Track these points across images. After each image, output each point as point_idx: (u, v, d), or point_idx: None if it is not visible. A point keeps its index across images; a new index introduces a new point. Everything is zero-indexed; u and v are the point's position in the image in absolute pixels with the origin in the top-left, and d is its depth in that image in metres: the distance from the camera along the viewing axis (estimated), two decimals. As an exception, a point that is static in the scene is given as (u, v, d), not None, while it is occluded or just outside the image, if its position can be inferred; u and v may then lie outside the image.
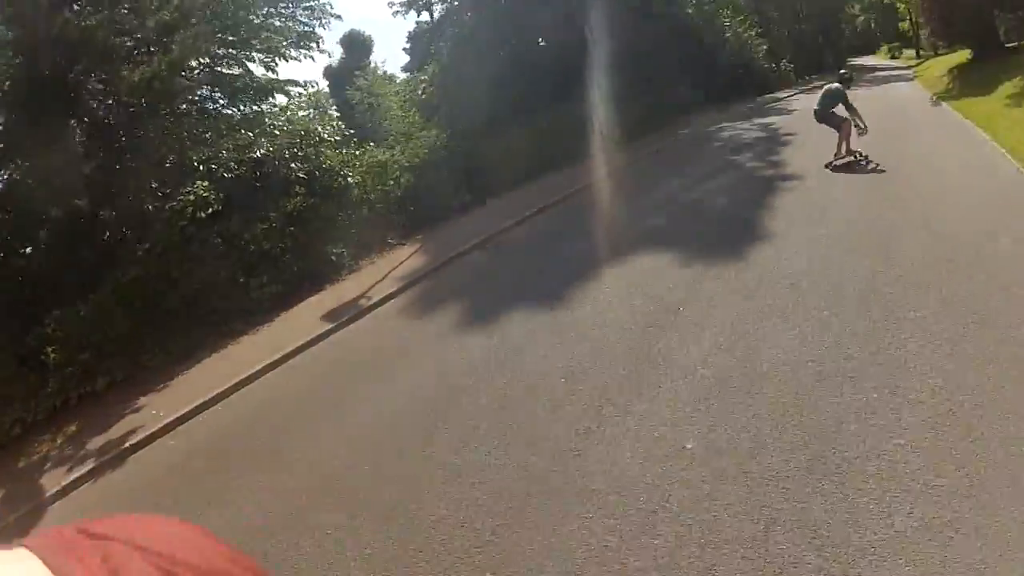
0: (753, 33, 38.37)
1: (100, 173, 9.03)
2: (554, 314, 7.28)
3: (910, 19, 39.11)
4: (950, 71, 26.17)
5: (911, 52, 51.65)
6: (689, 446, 4.09)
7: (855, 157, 11.85)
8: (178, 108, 10.47)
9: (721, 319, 5.89)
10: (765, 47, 39.32)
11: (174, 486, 5.83)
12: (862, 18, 74.09)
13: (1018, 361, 4.08)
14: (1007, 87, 17.10)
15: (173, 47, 9.06)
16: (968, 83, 21.68)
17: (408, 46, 47.45)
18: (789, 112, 23.01)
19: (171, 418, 7.13)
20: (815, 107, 12.47)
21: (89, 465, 6.66)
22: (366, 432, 5.74)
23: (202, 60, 10.43)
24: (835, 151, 11.98)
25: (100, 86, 9.05)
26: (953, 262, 5.88)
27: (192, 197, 9.28)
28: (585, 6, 20.61)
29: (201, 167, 10.08)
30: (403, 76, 38.96)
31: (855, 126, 11.79)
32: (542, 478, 4.20)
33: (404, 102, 23.63)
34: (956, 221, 7.10)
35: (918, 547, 2.85)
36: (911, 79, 31.11)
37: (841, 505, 3.23)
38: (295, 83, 15.08)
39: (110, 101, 9.03)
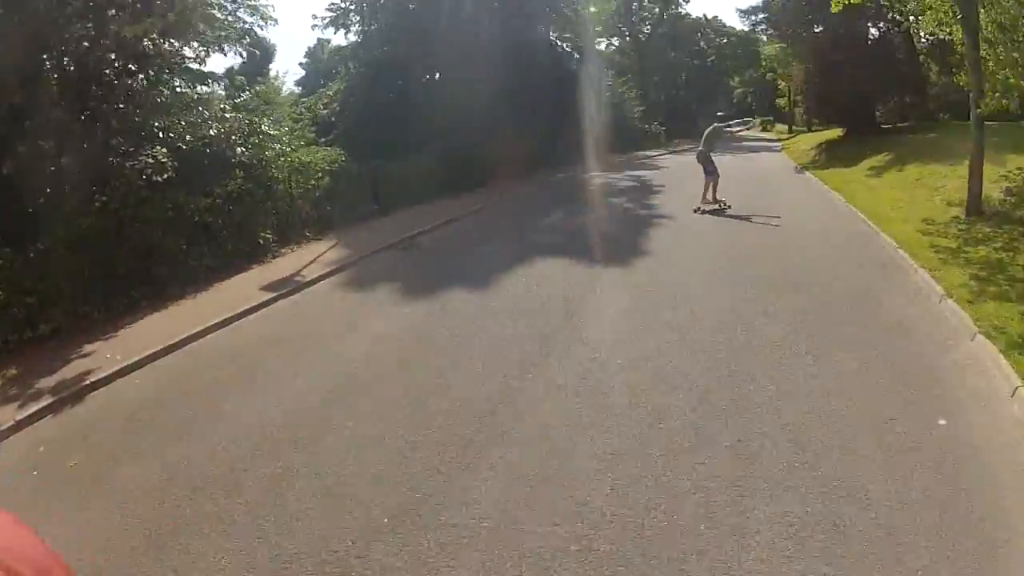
0: (633, 95, 41.59)
1: (68, 119, 9.19)
2: (474, 294, 8.70)
3: (789, 95, 43.20)
4: (819, 145, 29.51)
5: (783, 127, 57.03)
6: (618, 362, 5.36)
7: (720, 205, 13.91)
8: (151, 73, 10.75)
9: (619, 302, 8.12)
10: (642, 109, 42.64)
11: (146, 419, 6.26)
12: (740, 90, 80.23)
13: (815, 311, 6.68)
14: (871, 161, 19.83)
15: (170, 15, 9.44)
16: (835, 156, 24.70)
17: (305, 61, 48.06)
18: (658, 168, 25.59)
19: (130, 361, 7.49)
20: (699, 148, 14.46)
21: (45, 401, 6.83)
22: (324, 378, 6.57)
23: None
24: (701, 197, 14.01)
25: (86, 32, 9.24)
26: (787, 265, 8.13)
27: (152, 161, 9.65)
28: (477, 54, 22.10)
29: (161, 135, 10.47)
30: (296, 89, 39.74)
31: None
32: (484, 410, 5.40)
33: (300, 116, 24.52)
34: (801, 246, 10.28)
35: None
36: (779, 151, 34.70)
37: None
38: (219, 77, 15.50)
39: (95, 52, 9.22)
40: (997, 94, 12.20)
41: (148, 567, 3.92)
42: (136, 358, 7.58)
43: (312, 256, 12.45)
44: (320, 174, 15.03)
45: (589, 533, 3.74)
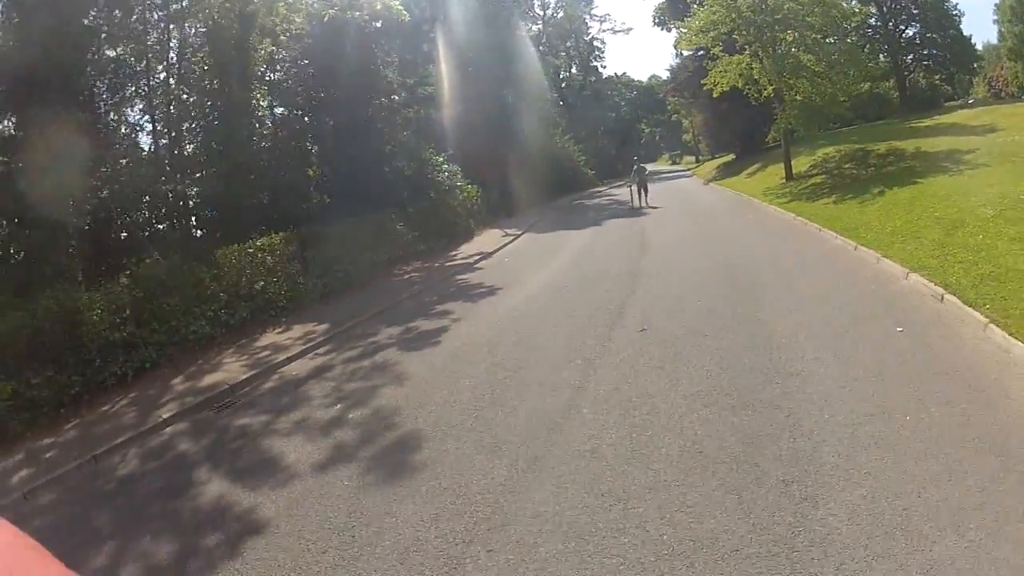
0: (576, 148, 56.56)
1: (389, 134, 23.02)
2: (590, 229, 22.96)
3: (692, 133, 60.06)
4: (718, 167, 45.40)
5: (691, 158, 74.35)
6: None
7: (649, 206, 28.34)
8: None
9: (623, 254, 22.15)
10: (584, 158, 57.70)
11: (496, 268, 19.95)
12: (648, 131, 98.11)
13: (725, 215, 20.62)
14: (749, 170, 35.21)
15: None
16: (728, 172, 40.26)
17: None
18: (611, 196, 40.78)
19: (485, 251, 21.12)
20: (636, 178, 29.07)
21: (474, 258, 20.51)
22: (557, 279, 20.66)
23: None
24: (643, 202, 28.37)
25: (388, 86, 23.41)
26: (705, 221, 22.81)
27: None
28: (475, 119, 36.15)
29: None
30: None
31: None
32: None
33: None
34: (709, 214, 24.37)
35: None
36: (690, 175, 50.93)
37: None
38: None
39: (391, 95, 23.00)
40: (790, 123, 26.89)
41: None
42: (486, 250, 21.22)
43: (498, 232, 26.00)
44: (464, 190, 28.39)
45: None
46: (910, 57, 52.92)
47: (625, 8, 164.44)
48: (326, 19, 18.98)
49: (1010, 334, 6.53)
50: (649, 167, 33.07)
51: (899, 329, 7.56)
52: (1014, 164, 15.38)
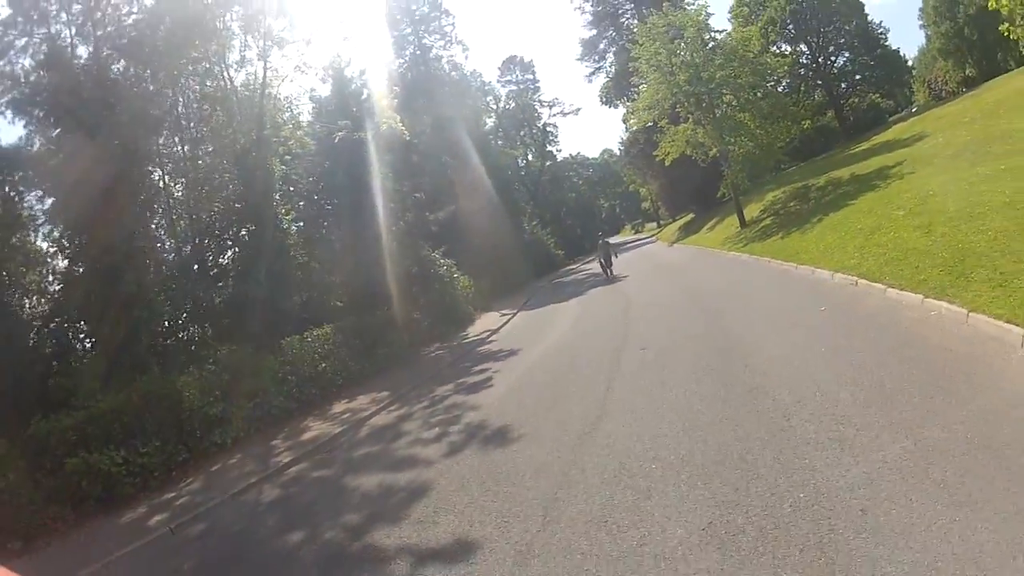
0: (545, 233, 60.46)
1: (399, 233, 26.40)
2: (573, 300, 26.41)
3: (651, 200, 64.48)
4: (679, 228, 49.46)
5: (652, 224, 78.97)
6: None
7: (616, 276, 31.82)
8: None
9: (612, 310, 25.66)
10: (552, 240, 61.55)
11: (519, 329, 23.13)
12: (608, 204, 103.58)
13: (695, 263, 24.25)
14: (708, 225, 39.13)
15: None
16: (689, 231, 44.28)
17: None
18: (584, 270, 44.18)
19: (498, 325, 24.29)
20: (602, 252, 32.37)
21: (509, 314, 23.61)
22: (563, 336, 23.96)
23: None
24: (611, 271, 31.70)
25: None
26: (675, 274, 26.57)
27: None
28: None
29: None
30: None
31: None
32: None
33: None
34: (677, 269, 28.37)
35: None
36: (654, 241, 55.18)
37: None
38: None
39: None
40: (737, 178, 30.76)
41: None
42: (492, 327, 24.42)
43: (495, 314, 29.18)
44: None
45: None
46: (844, 85, 57.42)
47: (572, 87, 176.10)
48: (336, 140, 22.57)
49: (900, 289, 9.93)
50: (616, 239, 36.88)
51: (822, 308, 11.02)
52: (933, 167, 18.48)
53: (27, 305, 18.63)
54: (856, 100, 58.74)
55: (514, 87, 74.32)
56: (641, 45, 30.56)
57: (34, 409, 13.34)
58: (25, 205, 18.96)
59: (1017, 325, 6.93)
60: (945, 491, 4.61)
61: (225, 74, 22.57)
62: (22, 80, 18.40)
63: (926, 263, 10.21)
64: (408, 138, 25.18)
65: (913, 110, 52.54)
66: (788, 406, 6.98)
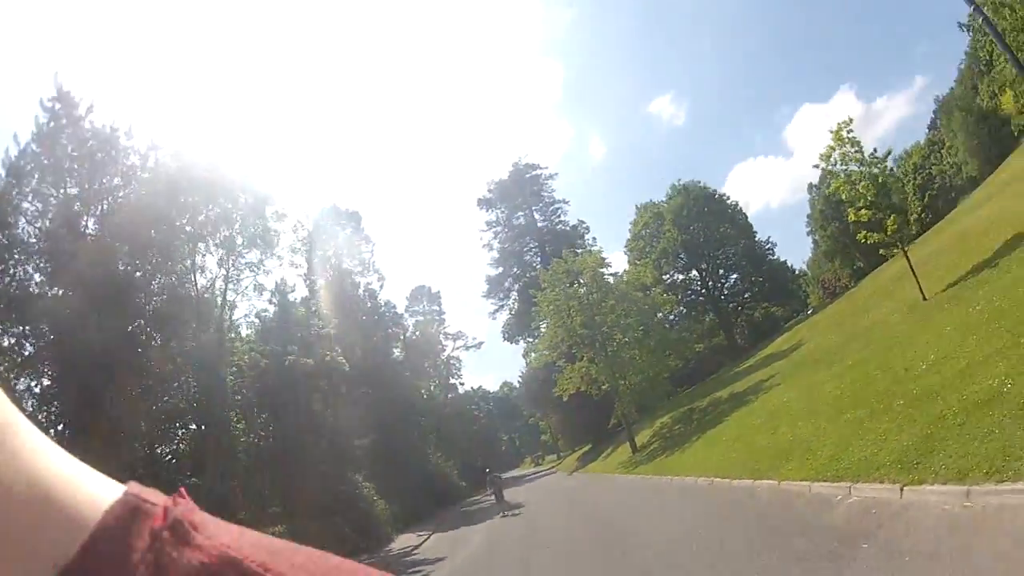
0: (448, 464, 62.62)
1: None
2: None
3: (550, 433, 68.91)
4: (577, 459, 53.69)
5: (553, 456, 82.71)
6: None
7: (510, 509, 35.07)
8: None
9: (519, 529, 29.37)
10: (456, 470, 63.64)
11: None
12: (507, 438, 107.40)
13: (579, 491, 28.42)
14: (604, 453, 43.47)
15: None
16: (587, 460, 48.45)
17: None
18: (490, 500, 46.71)
19: (414, 544, 26.72)
20: (492, 486, 35.38)
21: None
22: (481, 543, 27.07)
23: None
24: (503, 502, 34.77)
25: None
26: (573, 498, 30.87)
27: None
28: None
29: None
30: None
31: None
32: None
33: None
34: (575, 493, 33.81)
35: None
36: (555, 472, 59.44)
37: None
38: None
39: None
40: (626, 410, 35.43)
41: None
42: (413, 544, 26.86)
43: (411, 535, 31.34)
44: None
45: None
46: (733, 304, 61.74)
47: (475, 321, 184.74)
48: (287, 363, 26.16)
49: (738, 479, 14.13)
50: (515, 472, 39.63)
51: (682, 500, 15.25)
52: (796, 375, 22.42)
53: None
54: (746, 317, 61.79)
55: (420, 317, 77.67)
56: (543, 291, 36.01)
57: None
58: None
59: (806, 480, 11.01)
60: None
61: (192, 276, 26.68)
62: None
63: (763, 456, 14.42)
64: (347, 369, 28.88)
65: (809, 312, 54.58)
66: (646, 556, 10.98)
